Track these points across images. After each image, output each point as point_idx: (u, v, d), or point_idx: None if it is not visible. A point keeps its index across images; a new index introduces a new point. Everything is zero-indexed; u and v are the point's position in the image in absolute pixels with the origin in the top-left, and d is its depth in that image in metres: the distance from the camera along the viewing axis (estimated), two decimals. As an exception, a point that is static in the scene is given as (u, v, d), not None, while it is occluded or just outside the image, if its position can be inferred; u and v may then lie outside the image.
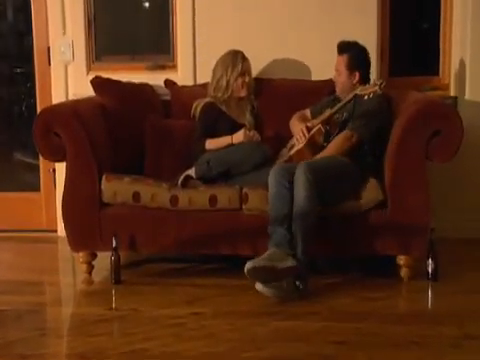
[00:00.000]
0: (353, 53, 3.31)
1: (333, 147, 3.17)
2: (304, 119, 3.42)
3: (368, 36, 3.56)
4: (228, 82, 3.53)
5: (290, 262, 2.87)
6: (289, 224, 2.97)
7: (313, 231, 2.97)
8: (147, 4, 4.22)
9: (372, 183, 3.13)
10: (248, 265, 2.83)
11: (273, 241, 2.97)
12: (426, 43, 4.20)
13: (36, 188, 4.21)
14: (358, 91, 3.15)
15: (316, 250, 3.02)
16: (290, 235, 2.96)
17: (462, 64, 3.83)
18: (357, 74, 3.31)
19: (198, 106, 3.57)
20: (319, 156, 3.17)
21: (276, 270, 2.83)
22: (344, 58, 3.32)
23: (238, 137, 3.37)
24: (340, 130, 3.23)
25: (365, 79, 3.34)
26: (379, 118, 3.21)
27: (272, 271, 2.82)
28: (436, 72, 3.99)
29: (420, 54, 4.20)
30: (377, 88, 3.08)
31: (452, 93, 3.88)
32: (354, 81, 3.31)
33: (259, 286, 2.88)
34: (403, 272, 3.18)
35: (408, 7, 4.18)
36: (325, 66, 3.58)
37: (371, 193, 3.12)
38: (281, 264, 2.85)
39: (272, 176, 3.05)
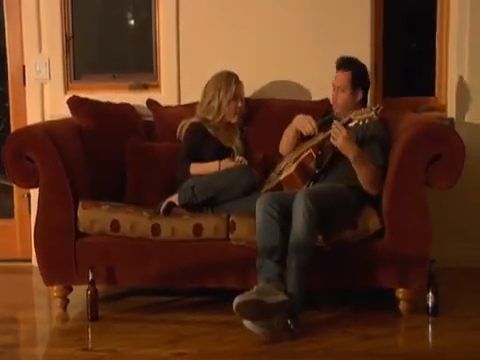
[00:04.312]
0: (357, 70, 3.16)
1: (368, 172, 2.95)
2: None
3: (362, 56, 3.39)
4: (220, 105, 3.38)
5: (281, 297, 2.68)
6: (279, 257, 2.78)
7: (310, 265, 2.78)
8: (129, 20, 4.10)
9: (369, 211, 2.97)
10: (237, 300, 2.64)
11: (262, 275, 2.78)
12: (421, 63, 4.07)
13: (10, 214, 4.02)
14: (353, 116, 2.94)
15: (309, 282, 2.82)
16: (280, 269, 2.77)
17: (459, 84, 3.69)
18: (360, 92, 3.15)
19: (184, 126, 3.42)
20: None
21: (266, 305, 2.63)
22: (347, 75, 3.14)
23: (227, 166, 3.21)
24: (334, 155, 3.03)
25: (366, 98, 3.20)
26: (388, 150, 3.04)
27: (262, 306, 2.63)
28: (432, 92, 3.85)
29: (415, 74, 4.06)
30: (373, 114, 2.88)
31: (449, 114, 3.73)
32: (357, 100, 3.15)
33: (248, 323, 2.68)
34: (402, 306, 3.01)
35: (402, 27, 4.08)
36: (318, 86, 3.47)
37: (368, 222, 2.95)
38: (271, 299, 2.65)
39: (259, 205, 2.87)
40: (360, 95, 3.15)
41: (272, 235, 2.80)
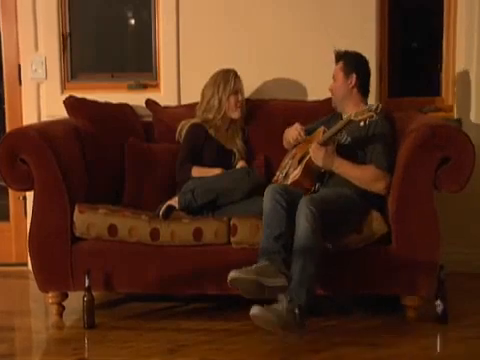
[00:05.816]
0: (349, 57, 3.11)
1: (360, 176, 2.90)
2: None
3: (367, 57, 3.31)
4: (220, 101, 3.30)
5: (280, 281, 2.60)
6: (284, 242, 2.70)
7: (316, 269, 2.67)
8: (128, 19, 4.03)
9: (375, 215, 2.88)
10: (232, 274, 2.61)
11: (265, 255, 2.69)
12: (422, 63, 3.99)
13: (5, 217, 3.93)
14: (353, 116, 2.86)
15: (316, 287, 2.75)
16: (285, 252, 2.69)
17: (467, 84, 3.60)
18: (354, 76, 3.06)
19: (184, 126, 3.34)
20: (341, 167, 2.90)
21: (264, 287, 2.59)
22: (340, 65, 3.12)
23: None
24: (339, 154, 2.94)
25: (364, 87, 3.10)
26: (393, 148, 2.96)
27: (260, 287, 2.59)
28: (433, 93, 3.77)
29: (417, 74, 3.97)
30: (373, 113, 2.80)
31: (456, 115, 3.64)
32: (351, 85, 3.07)
33: (256, 310, 2.55)
34: (410, 313, 2.93)
35: (407, 26, 4.01)
36: (319, 87, 3.38)
37: (373, 226, 2.87)
38: (270, 281, 2.59)
39: (267, 194, 2.82)
40: (354, 79, 3.06)
41: (278, 222, 2.74)
